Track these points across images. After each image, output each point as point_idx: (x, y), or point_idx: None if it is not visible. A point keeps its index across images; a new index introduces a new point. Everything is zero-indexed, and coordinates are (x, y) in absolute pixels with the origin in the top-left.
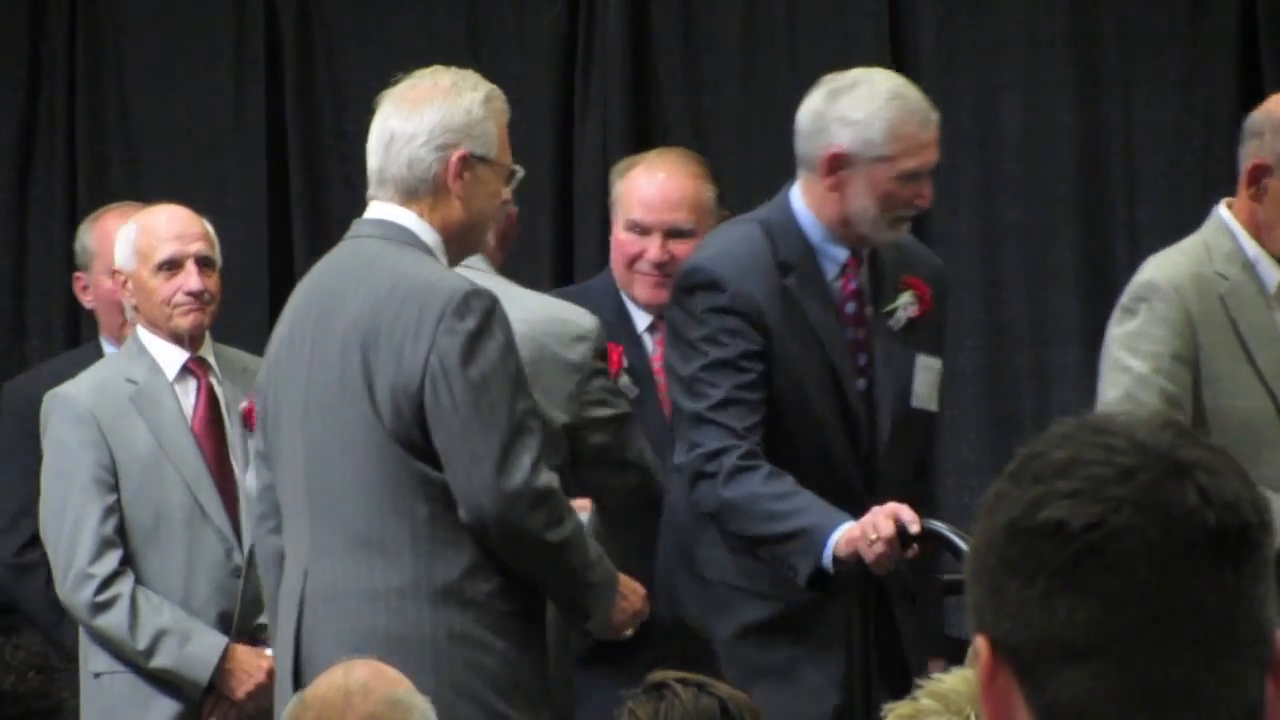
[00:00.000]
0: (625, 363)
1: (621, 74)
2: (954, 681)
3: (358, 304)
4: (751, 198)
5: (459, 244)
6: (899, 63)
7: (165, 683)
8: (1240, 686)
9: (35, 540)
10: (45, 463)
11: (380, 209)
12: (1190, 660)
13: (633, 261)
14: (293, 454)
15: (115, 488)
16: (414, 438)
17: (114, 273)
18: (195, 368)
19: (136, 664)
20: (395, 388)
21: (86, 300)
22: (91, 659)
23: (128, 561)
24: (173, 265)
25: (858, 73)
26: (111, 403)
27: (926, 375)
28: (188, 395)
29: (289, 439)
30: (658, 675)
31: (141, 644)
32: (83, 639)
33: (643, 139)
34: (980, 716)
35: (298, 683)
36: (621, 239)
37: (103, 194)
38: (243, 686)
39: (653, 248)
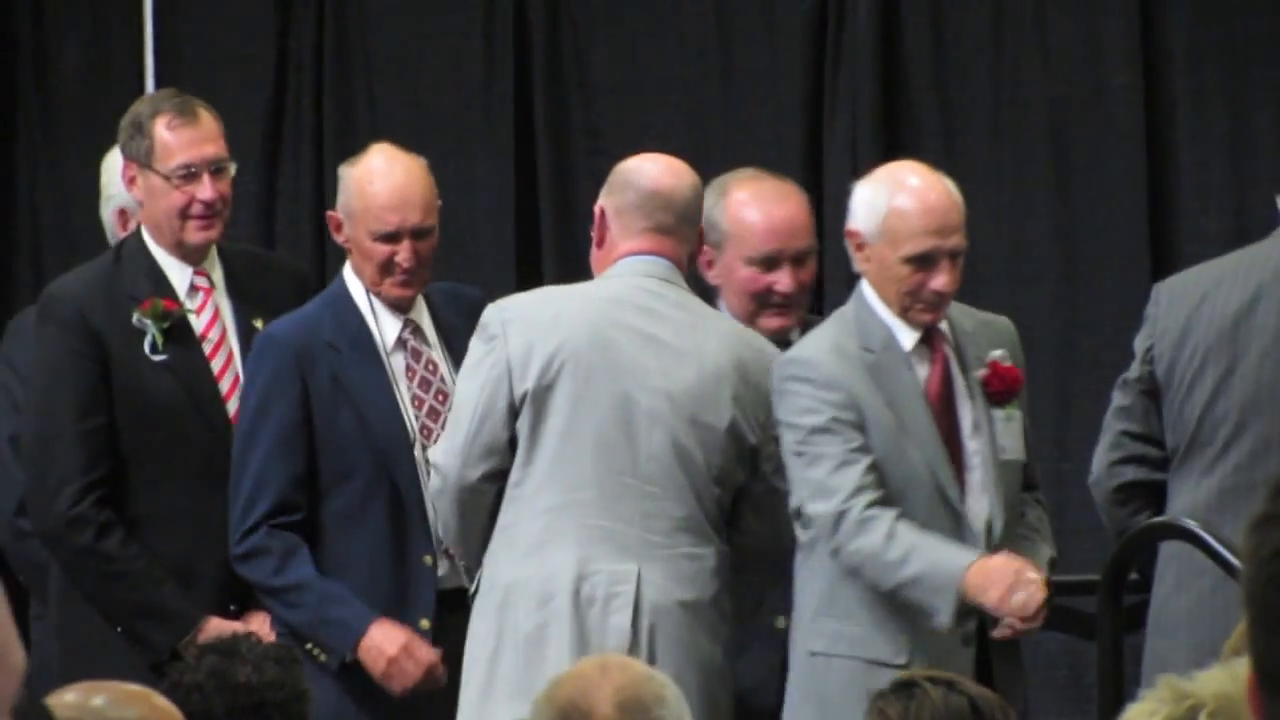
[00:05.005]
0: None
1: (871, 69)
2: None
3: None
4: (999, 193)
5: None
6: (1149, 60)
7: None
8: None
9: None
10: (797, 424)
11: None
12: None
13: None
14: None
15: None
16: None
17: (851, 235)
18: (934, 336)
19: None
20: None
21: (712, 277)
22: (810, 638)
23: None
24: (926, 261)
25: None
26: (852, 370)
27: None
28: (923, 364)
29: None
30: (906, 674)
31: (892, 554)
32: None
33: (893, 135)
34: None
35: None
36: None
37: None
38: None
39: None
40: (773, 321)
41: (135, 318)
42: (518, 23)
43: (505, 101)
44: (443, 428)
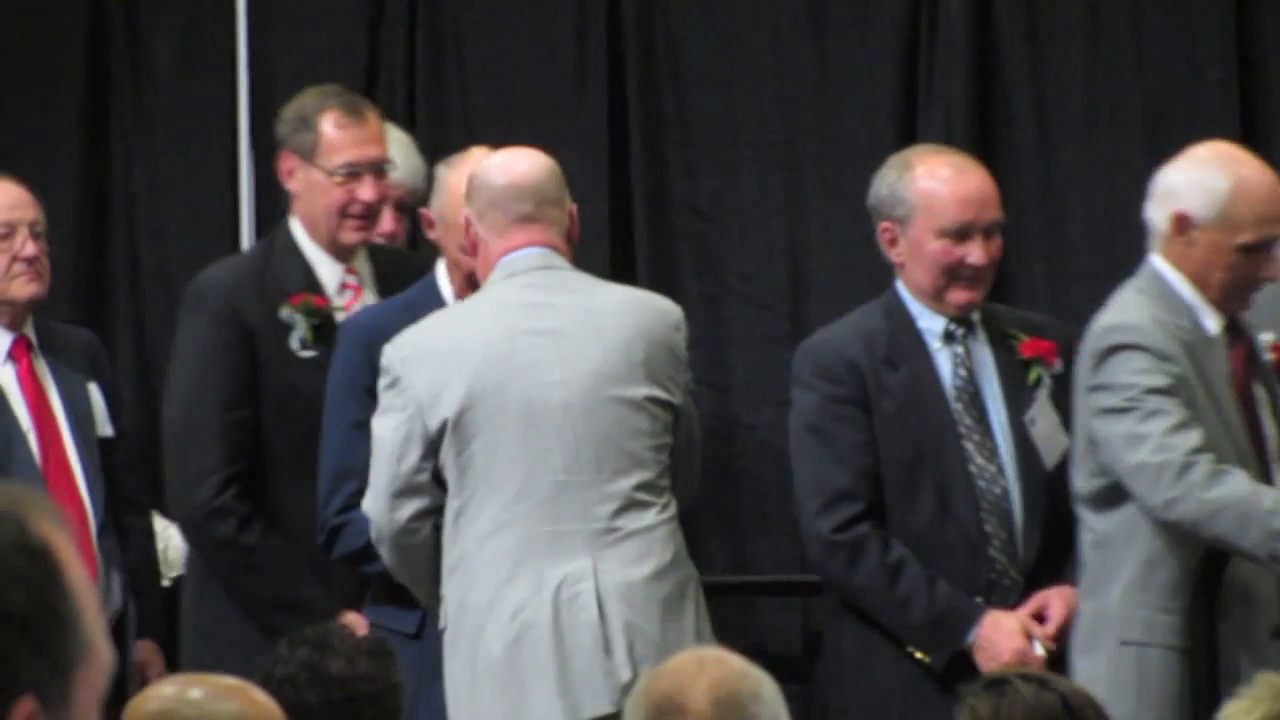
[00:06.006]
0: None
1: (965, 63)
2: None
3: None
4: (1092, 189)
5: None
6: (1244, 55)
7: None
8: None
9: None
10: (1129, 383)
11: None
12: None
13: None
14: None
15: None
16: None
17: (1178, 218)
18: (1238, 322)
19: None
20: None
21: (895, 254)
22: (1122, 627)
23: None
24: (1259, 249)
25: None
26: (1177, 347)
27: None
28: (1222, 349)
29: None
30: (998, 671)
31: (1267, 503)
32: None
33: (986, 130)
34: None
35: None
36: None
37: None
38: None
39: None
40: (961, 295)
41: (284, 312)
42: (610, 17)
43: (598, 96)
44: None
